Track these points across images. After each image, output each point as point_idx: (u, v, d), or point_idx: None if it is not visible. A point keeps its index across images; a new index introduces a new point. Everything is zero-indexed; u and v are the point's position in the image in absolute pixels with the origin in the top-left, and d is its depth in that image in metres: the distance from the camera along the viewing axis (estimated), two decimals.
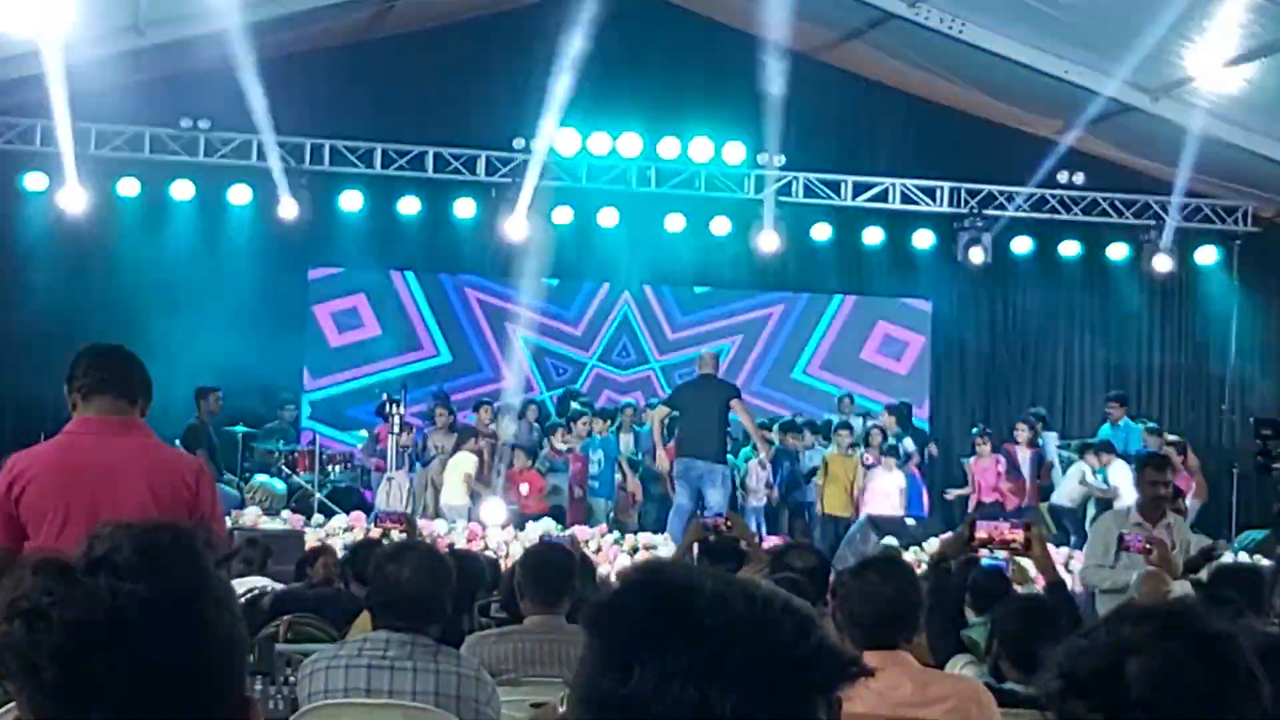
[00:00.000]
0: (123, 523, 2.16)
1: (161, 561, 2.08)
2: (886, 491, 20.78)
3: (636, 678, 2.00)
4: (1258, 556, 17.58)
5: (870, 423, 22.43)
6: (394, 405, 20.09)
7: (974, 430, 22.68)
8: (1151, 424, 22.59)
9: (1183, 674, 2.47)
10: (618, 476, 20.94)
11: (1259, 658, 3.21)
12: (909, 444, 21.97)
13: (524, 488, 20.24)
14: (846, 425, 21.75)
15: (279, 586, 11.47)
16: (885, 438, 21.63)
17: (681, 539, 17.40)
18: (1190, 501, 20.38)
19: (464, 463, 20.19)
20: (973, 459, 21.90)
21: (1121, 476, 20.27)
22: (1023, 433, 22.00)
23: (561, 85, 21.37)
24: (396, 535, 12.10)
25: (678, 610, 2.04)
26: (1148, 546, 10.63)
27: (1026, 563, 10.77)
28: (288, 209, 21.82)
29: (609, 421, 21.58)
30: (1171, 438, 21.74)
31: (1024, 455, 21.81)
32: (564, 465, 20.71)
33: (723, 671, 1.99)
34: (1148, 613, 2.60)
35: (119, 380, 6.40)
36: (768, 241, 23.24)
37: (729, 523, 11.32)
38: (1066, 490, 21.14)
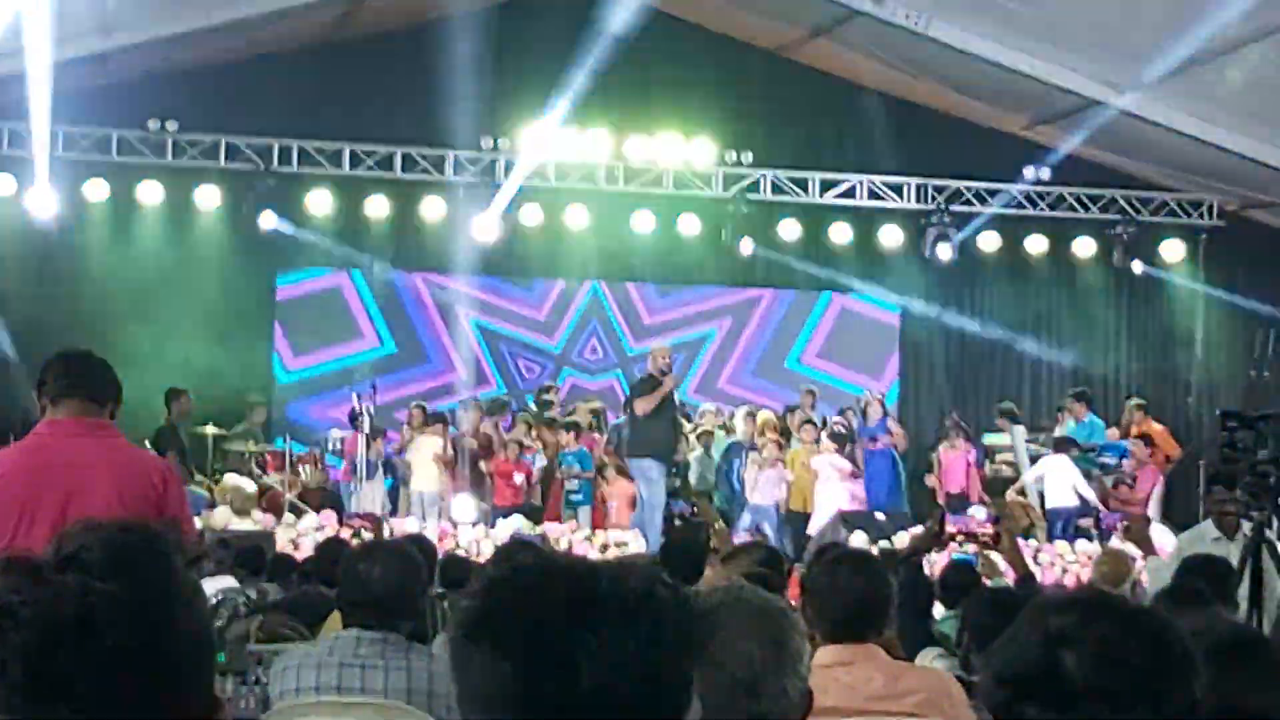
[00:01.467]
0: (92, 522, 2.16)
1: (130, 561, 2.08)
2: (827, 476, 20.72)
3: (588, 672, 2.02)
4: None
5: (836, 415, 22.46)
6: (363, 406, 20.08)
7: (945, 419, 22.64)
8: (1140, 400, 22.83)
9: (1119, 654, 2.49)
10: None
11: (1227, 648, 3.24)
12: (892, 424, 22.02)
13: (519, 478, 20.28)
14: (810, 421, 21.64)
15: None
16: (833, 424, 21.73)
17: (645, 534, 17.43)
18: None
19: (431, 444, 20.19)
20: (943, 447, 21.91)
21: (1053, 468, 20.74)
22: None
23: (529, 86, 21.48)
24: (366, 535, 12.13)
25: (592, 596, 2.08)
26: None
27: (995, 557, 10.79)
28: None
29: (575, 433, 21.47)
30: (1158, 427, 21.99)
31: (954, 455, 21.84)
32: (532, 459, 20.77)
33: (656, 645, 2.04)
34: (1068, 602, 2.61)
35: (88, 384, 6.41)
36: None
37: (695, 509, 11.38)
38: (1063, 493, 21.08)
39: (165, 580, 2.11)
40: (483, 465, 20.60)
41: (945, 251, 23.78)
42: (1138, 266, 24.34)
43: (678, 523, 12.05)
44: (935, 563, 14.16)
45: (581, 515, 20.16)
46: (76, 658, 2.00)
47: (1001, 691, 2.54)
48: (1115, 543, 17.11)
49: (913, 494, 21.94)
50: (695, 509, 11.81)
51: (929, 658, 6.97)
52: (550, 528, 18.86)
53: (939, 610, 9.06)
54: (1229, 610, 7.85)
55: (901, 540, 18.06)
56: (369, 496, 19.87)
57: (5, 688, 2.01)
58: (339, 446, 21.36)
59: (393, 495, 20.75)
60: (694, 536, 10.63)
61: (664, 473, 18.90)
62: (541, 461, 20.90)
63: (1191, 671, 2.51)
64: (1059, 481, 20.61)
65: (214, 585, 10.78)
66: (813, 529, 20.20)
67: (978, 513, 16.39)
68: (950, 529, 7.68)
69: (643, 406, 19.31)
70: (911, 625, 7.09)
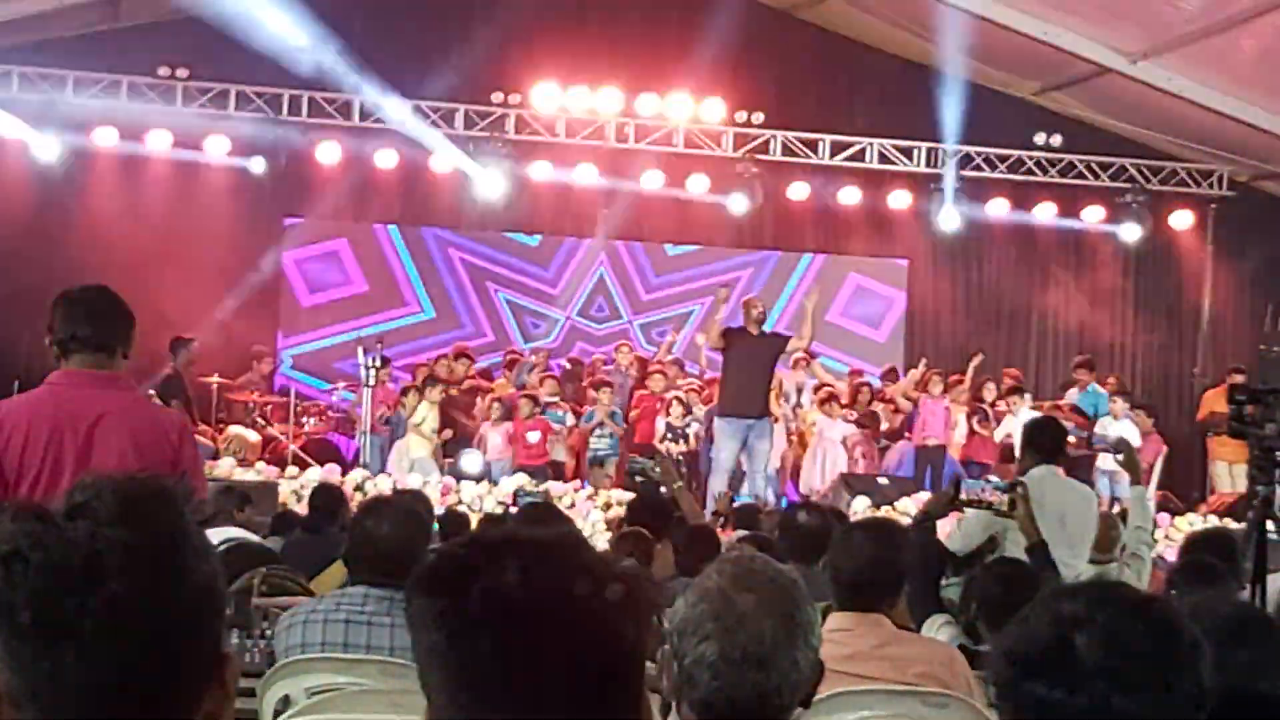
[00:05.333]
0: (103, 473, 2.16)
1: (142, 510, 2.07)
2: (833, 439, 20.76)
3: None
4: (1228, 520, 17.73)
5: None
6: (369, 361, 20.01)
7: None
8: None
9: (1129, 638, 2.52)
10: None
11: (1232, 628, 3.26)
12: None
13: (533, 436, 20.27)
14: (833, 396, 21.50)
15: (254, 538, 11.46)
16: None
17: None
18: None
19: (419, 413, 20.08)
20: (923, 396, 21.80)
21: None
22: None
23: (541, 41, 21.44)
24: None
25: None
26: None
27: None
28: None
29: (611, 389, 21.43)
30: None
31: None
32: (558, 415, 20.74)
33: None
34: (1078, 588, 2.66)
35: (98, 331, 6.34)
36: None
37: (657, 466, 11.44)
38: None
39: (175, 530, 2.10)
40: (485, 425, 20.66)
41: (953, 216, 23.74)
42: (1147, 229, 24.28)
43: (638, 479, 12.12)
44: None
45: (610, 469, 20.26)
46: (82, 602, 1.99)
47: (1010, 669, 2.57)
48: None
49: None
50: (657, 466, 11.81)
51: (936, 625, 6.98)
52: (554, 486, 18.85)
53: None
54: (1235, 582, 7.86)
55: (905, 506, 18.09)
56: (393, 458, 19.88)
57: (11, 632, 2.02)
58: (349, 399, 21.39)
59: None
60: (659, 499, 10.66)
61: (731, 432, 18.40)
62: (571, 420, 21.00)
63: (1200, 660, 2.55)
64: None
65: (217, 536, 10.79)
66: (803, 486, 20.25)
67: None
68: (964, 495, 7.67)
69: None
70: (921, 591, 7.09)
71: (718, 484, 18.08)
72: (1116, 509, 19.66)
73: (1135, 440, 20.54)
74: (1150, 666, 2.50)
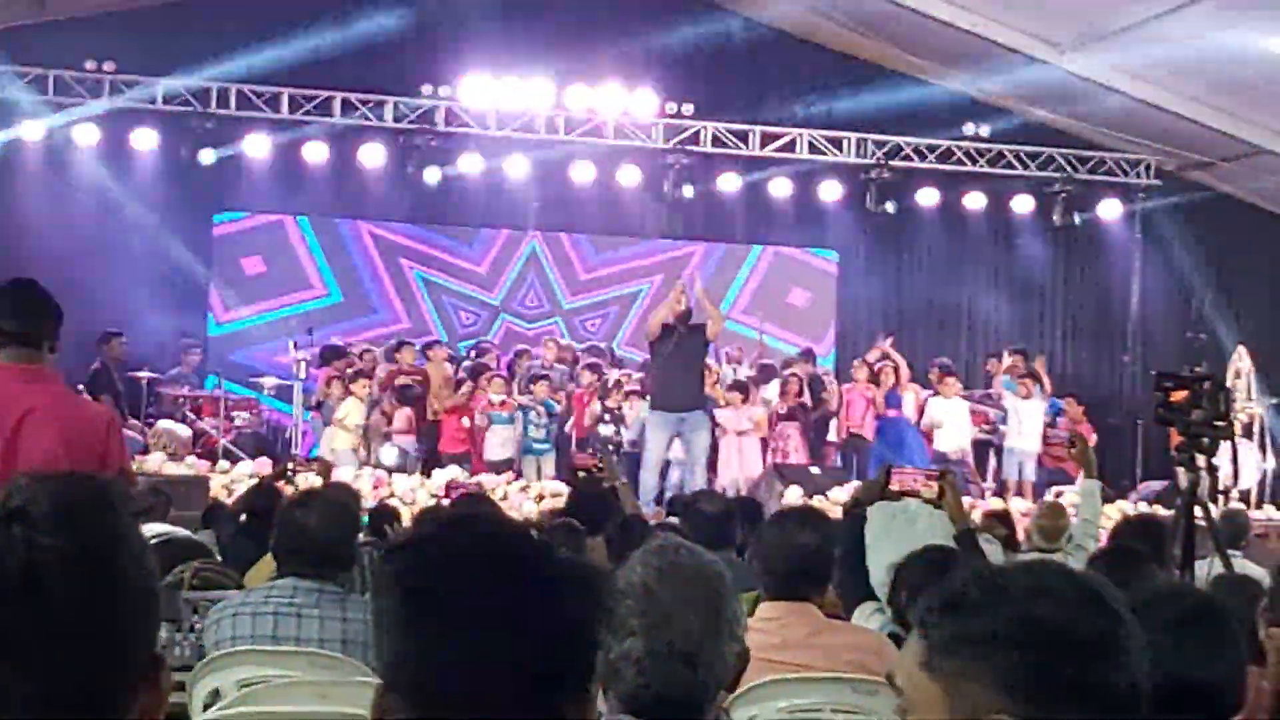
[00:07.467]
0: (41, 474, 2.12)
1: (78, 516, 2.03)
2: (740, 428, 20.72)
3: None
4: (1157, 507, 17.85)
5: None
6: (299, 355, 19.93)
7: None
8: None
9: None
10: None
11: (1191, 618, 3.28)
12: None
13: (464, 421, 20.19)
14: (742, 386, 21.40)
15: (182, 532, 11.40)
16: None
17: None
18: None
19: (344, 408, 19.97)
20: (847, 385, 21.98)
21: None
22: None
23: (471, 32, 21.37)
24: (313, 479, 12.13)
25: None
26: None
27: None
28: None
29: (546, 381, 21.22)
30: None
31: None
32: (504, 418, 20.52)
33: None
34: (1095, 578, 2.63)
35: (26, 325, 6.30)
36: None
37: (600, 463, 11.43)
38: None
39: (113, 536, 2.07)
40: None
41: (884, 207, 23.80)
42: (1076, 219, 24.43)
43: (580, 474, 12.11)
44: None
45: (544, 462, 20.18)
46: (17, 612, 1.96)
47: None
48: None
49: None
50: (600, 462, 11.77)
51: (867, 612, 6.98)
52: (486, 478, 18.80)
53: None
54: (1163, 570, 7.90)
55: (836, 495, 18.09)
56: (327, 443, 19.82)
57: None
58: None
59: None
60: (600, 493, 10.67)
61: (660, 425, 18.36)
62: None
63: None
64: (954, 427, 20.79)
65: (148, 531, 10.73)
66: (721, 481, 20.20)
67: None
68: (895, 485, 7.67)
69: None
70: (853, 577, 7.09)
71: (648, 478, 18.07)
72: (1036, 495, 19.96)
73: (1037, 418, 20.91)
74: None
